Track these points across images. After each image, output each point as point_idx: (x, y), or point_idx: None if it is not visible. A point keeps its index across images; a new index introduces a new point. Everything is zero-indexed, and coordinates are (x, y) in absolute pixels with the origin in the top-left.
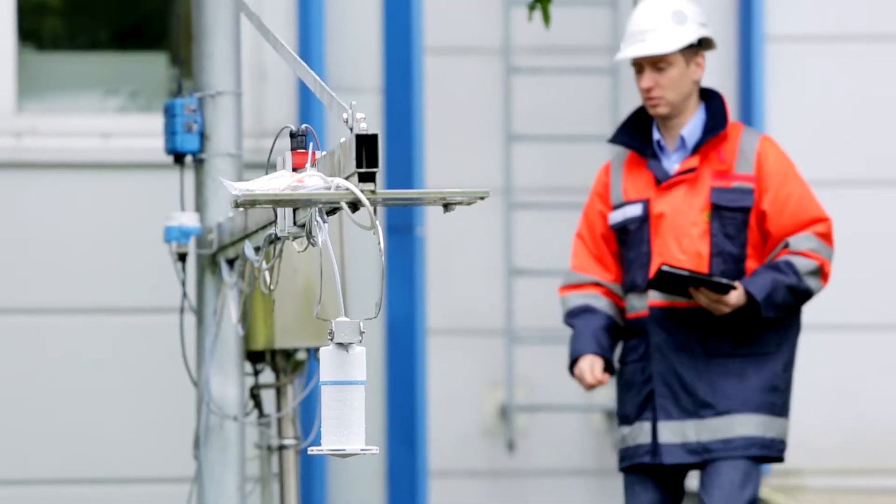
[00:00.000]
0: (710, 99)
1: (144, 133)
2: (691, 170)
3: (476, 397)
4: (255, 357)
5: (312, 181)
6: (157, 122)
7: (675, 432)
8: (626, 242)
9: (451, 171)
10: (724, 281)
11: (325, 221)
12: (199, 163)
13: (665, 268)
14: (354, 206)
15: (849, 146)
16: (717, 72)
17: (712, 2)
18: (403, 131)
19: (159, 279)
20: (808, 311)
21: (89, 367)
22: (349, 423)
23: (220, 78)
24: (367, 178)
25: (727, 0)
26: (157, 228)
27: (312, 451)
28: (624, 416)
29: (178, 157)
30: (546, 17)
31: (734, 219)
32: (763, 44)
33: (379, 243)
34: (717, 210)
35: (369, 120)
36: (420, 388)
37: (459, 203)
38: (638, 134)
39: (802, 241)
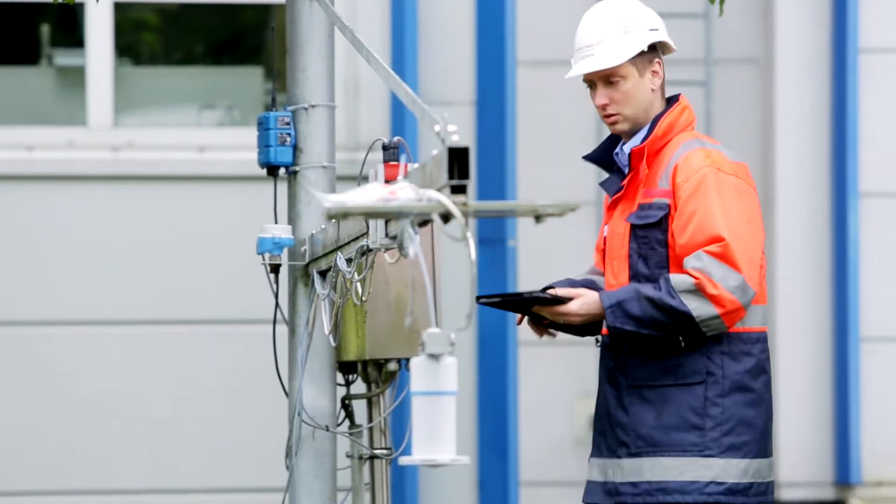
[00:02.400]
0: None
1: (239, 146)
2: (621, 188)
3: (567, 407)
4: (346, 368)
5: (404, 193)
6: (251, 135)
7: (601, 470)
8: None
9: (543, 183)
10: (536, 293)
11: (416, 233)
12: (292, 175)
13: (481, 301)
14: (446, 217)
15: None
16: (811, 86)
17: (806, 16)
18: (496, 144)
19: (252, 290)
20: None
21: (182, 377)
22: (440, 434)
23: (314, 91)
24: (458, 190)
25: (821, 14)
26: (251, 240)
27: (403, 461)
28: None
29: (272, 170)
30: None
31: (646, 238)
32: (857, 56)
33: (470, 255)
34: (633, 230)
35: (462, 132)
36: (511, 399)
37: (551, 215)
38: (611, 149)
39: (690, 260)
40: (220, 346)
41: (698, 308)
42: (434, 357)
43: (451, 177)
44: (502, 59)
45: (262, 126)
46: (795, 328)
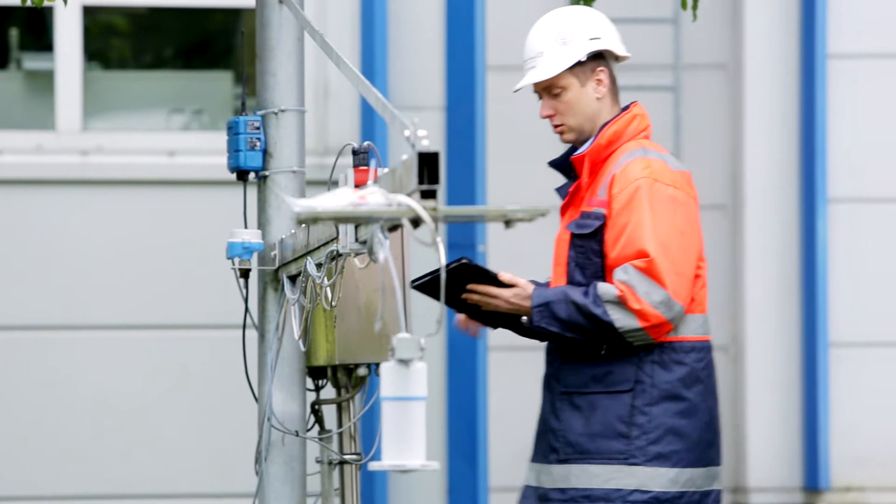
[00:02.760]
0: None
1: (209, 151)
2: (567, 194)
3: (536, 413)
4: (316, 373)
5: (374, 198)
6: (221, 139)
7: (535, 475)
8: None
9: (513, 188)
10: (463, 259)
11: (386, 238)
12: (262, 180)
13: (413, 284)
14: (416, 222)
15: None
16: (780, 91)
17: (775, 22)
18: (466, 149)
19: (222, 296)
20: (868, 328)
21: (151, 382)
22: (410, 439)
23: (284, 95)
24: (428, 194)
25: (790, 20)
26: (220, 245)
27: (373, 466)
28: None
29: (241, 175)
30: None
31: (583, 248)
32: (825, 62)
33: (440, 260)
34: (572, 239)
35: (432, 137)
36: (481, 404)
37: (520, 220)
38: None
39: (618, 272)
40: (190, 350)
41: (621, 320)
42: (404, 362)
43: (420, 182)
44: (472, 64)
45: (232, 130)
46: (764, 333)
